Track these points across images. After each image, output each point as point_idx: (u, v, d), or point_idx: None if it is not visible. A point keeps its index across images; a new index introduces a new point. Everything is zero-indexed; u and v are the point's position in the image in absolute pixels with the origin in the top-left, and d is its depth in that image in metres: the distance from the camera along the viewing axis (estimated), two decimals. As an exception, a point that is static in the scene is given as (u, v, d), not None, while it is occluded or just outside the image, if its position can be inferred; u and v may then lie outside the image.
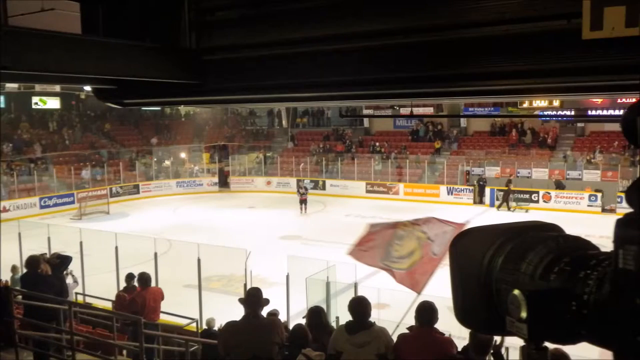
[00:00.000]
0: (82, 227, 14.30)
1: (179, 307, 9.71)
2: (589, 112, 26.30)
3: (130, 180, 29.52)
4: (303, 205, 24.43)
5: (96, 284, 11.80)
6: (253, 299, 4.81)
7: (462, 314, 1.06)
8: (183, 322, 9.59)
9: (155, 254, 11.42)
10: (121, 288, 9.45)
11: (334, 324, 6.91)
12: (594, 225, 16.94)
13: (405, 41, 4.10)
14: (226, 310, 7.17)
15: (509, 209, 24.17)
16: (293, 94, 5.50)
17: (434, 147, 30.70)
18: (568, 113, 27.18)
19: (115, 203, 26.53)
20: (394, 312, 7.34)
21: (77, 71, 4.87)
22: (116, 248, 11.88)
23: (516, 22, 3.56)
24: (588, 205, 23.60)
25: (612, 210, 22.75)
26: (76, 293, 10.43)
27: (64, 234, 14.00)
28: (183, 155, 33.76)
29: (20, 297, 7.55)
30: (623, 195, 4.21)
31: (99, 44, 4.84)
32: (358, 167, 29.88)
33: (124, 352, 7.30)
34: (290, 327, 6.46)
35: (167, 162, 32.50)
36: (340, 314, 7.85)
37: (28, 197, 25.23)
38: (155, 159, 32.36)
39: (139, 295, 7.92)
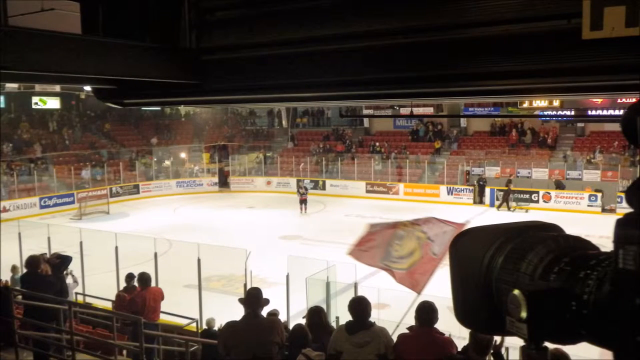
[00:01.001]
0: (82, 227, 14.31)
1: (179, 307, 9.71)
2: (589, 112, 26.29)
3: (130, 180, 29.52)
4: (303, 205, 24.44)
5: (96, 284, 11.81)
6: (253, 299, 4.81)
7: (462, 314, 1.06)
8: (183, 322, 9.60)
9: (155, 254, 11.42)
10: (121, 288, 9.45)
11: (334, 324, 6.91)
12: (594, 225, 16.95)
13: (405, 41, 4.10)
14: (226, 310, 7.17)
15: (509, 209, 24.17)
16: (293, 94, 5.49)
17: (434, 147, 30.71)
18: (568, 113, 27.18)
19: (115, 203, 26.54)
20: (394, 312, 7.35)
21: (77, 71, 4.87)
22: (116, 248, 11.88)
23: (516, 22, 3.56)
24: (588, 205, 23.61)
25: (612, 210, 22.76)
26: (76, 293, 10.43)
27: (64, 234, 14.01)
28: (183, 155, 33.78)
29: (20, 297, 7.55)
30: (623, 195, 4.21)
31: (99, 44, 4.84)
32: (358, 167, 29.89)
33: (124, 352, 7.30)
34: (290, 327, 6.46)
35: (167, 162, 32.51)
36: (340, 314, 7.85)
37: (28, 197, 25.23)
38: (155, 159, 32.38)
39: (139, 295, 7.92)
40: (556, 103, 26.53)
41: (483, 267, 1.01)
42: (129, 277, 8.87)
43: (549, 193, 24.71)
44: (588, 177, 25.42)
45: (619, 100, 24.19)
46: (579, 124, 28.99)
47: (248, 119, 38.40)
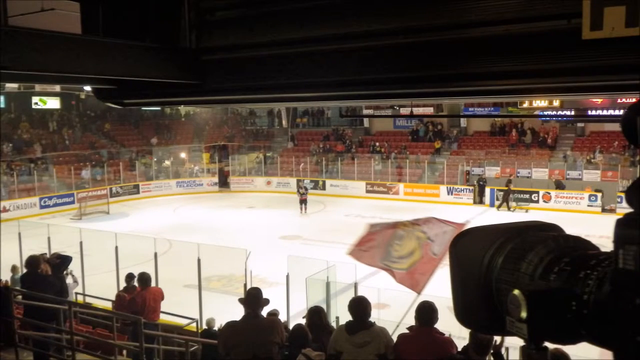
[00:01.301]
0: (82, 227, 14.30)
1: (179, 307, 9.71)
2: (589, 112, 26.29)
3: (130, 180, 29.52)
4: (303, 205, 24.43)
5: (96, 284, 11.81)
6: (253, 299, 4.81)
7: (462, 314, 1.06)
8: (183, 322, 9.59)
9: (155, 254, 11.42)
10: (121, 288, 9.44)
11: (334, 324, 6.91)
12: (594, 225, 16.94)
13: (405, 41, 4.10)
14: (226, 310, 7.18)
15: (509, 209, 24.17)
16: (293, 94, 5.50)
17: (434, 147, 30.70)
18: (568, 113, 27.18)
19: (115, 203, 26.54)
20: (394, 312, 7.35)
21: (77, 71, 4.87)
22: (116, 248, 11.88)
23: (516, 22, 3.56)
24: (588, 205, 23.60)
25: (612, 210, 22.74)
26: (76, 293, 10.43)
27: (64, 234, 14.01)
28: (183, 155, 33.77)
29: (20, 297, 7.55)
30: (623, 195, 4.21)
31: (99, 44, 4.84)
32: (358, 167, 29.89)
33: (124, 352, 7.30)
34: (290, 327, 6.46)
35: (167, 162, 32.51)
36: (340, 314, 7.85)
37: (28, 197, 25.23)
38: (155, 159, 32.37)
39: (139, 295, 7.91)
40: (556, 103, 26.53)
41: (483, 267, 1.01)
42: (129, 277, 8.86)
43: (549, 193, 24.71)
44: (588, 177, 25.42)
45: (619, 100, 24.19)
46: (579, 124, 28.98)
47: (248, 119, 38.40)
